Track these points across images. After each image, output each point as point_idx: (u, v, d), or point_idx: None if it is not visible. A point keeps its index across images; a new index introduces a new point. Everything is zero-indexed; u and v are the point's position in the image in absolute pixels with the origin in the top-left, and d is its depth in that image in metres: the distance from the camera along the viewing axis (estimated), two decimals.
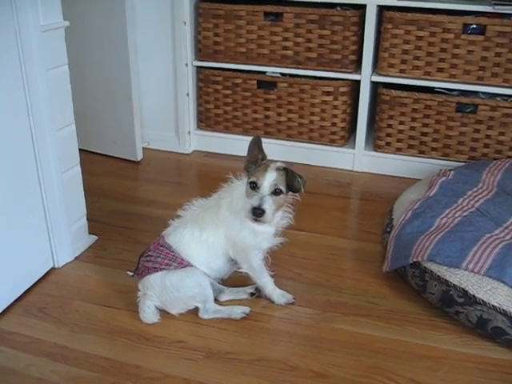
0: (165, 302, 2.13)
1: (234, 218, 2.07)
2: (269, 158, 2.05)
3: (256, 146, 2.00)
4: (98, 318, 2.19)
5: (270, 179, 1.93)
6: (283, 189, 1.95)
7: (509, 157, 3.12)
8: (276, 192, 1.94)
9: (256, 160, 2.00)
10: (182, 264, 2.08)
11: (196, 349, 2.03)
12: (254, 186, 1.94)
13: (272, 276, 2.22)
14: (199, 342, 2.06)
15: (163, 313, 2.18)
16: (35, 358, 1.99)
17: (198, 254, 2.11)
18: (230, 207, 2.08)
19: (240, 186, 2.07)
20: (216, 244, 2.11)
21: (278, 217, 2.06)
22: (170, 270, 2.08)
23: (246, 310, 2.18)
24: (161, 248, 2.12)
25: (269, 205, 1.92)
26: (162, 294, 2.10)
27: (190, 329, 2.13)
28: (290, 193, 2.02)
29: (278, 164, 1.98)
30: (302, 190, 1.98)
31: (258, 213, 1.90)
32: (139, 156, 3.53)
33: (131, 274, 2.21)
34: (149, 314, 2.14)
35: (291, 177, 1.95)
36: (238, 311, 2.17)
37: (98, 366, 1.96)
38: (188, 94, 3.56)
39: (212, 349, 2.03)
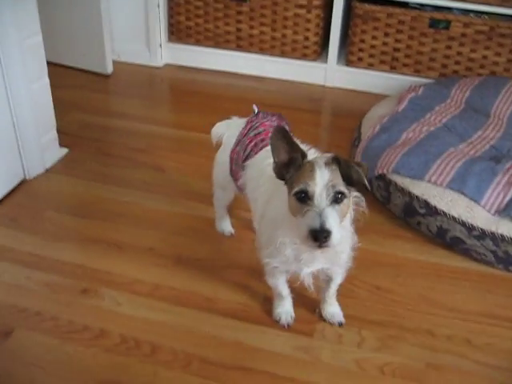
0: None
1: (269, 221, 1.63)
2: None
3: (284, 142, 1.41)
4: (70, 227, 2.23)
5: (323, 181, 1.36)
6: (344, 189, 1.38)
7: (479, 74, 3.15)
8: (337, 198, 1.37)
9: (294, 162, 1.43)
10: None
11: (166, 255, 2.09)
12: (302, 197, 1.38)
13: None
14: (169, 249, 2.12)
15: (134, 221, 2.24)
16: (9, 266, 2.04)
17: None
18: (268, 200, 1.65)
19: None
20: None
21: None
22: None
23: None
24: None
25: (334, 220, 1.35)
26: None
27: (160, 237, 2.18)
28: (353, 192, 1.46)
29: (325, 156, 1.43)
30: (365, 181, 1.37)
31: (322, 237, 1.34)
32: (109, 69, 3.47)
33: (256, 109, 1.92)
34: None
35: (346, 167, 1.37)
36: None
37: (71, 273, 2.01)
38: (158, 6, 3.45)
39: (181, 255, 2.09)
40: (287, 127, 1.82)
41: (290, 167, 1.43)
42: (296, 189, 1.38)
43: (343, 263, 1.64)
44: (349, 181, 1.38)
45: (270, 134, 1.43)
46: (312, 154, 1.55)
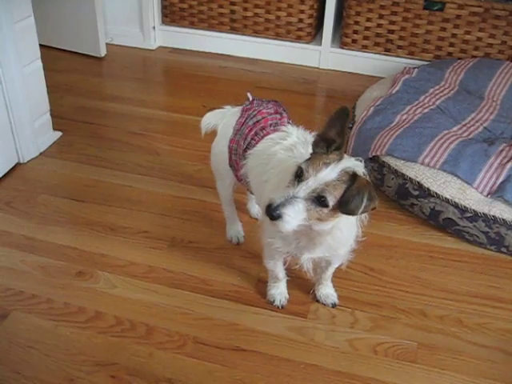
0: None
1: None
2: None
3: (339, 123, 1.38)
4: (65, 210, 2.24)
5: (320, 179, 1.34)
6: (330, 202, 1.34)
7: (473, 56, 3.14)
8: (318, 201, 1.35)
9: (330, 142, 1.40)
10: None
11: (160, 238, 2.10)
12: (297, 174, 1.38)
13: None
14: (163, 232, 2.13)
15: (129, 204, 2.25)
16: (4, 249, 2.04)
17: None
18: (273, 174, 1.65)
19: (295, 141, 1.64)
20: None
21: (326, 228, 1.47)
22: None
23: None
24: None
25: (294, 212, 1.34)
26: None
27: (154, 220, 2.19)
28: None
29: (350, 164, 1.37)
30: (357, 213, 1.35)
31: (270, 213, 1.35)
32: (103, 52, 3.45)
33: (250, 97, 1.90)
34: None
35: (355, 190, 1.32)
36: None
37: (66, 256, 2.02)
38: None
39: (175, 238, 2.10)
40: (285, 114, 1.81)
41: (325, 145, 1.39)
42: (301, 164, 1.37)
43: (344, 254, 1.67)
44: (344, 204, 1.33)
45: (333, 112, 1.38)
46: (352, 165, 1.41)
